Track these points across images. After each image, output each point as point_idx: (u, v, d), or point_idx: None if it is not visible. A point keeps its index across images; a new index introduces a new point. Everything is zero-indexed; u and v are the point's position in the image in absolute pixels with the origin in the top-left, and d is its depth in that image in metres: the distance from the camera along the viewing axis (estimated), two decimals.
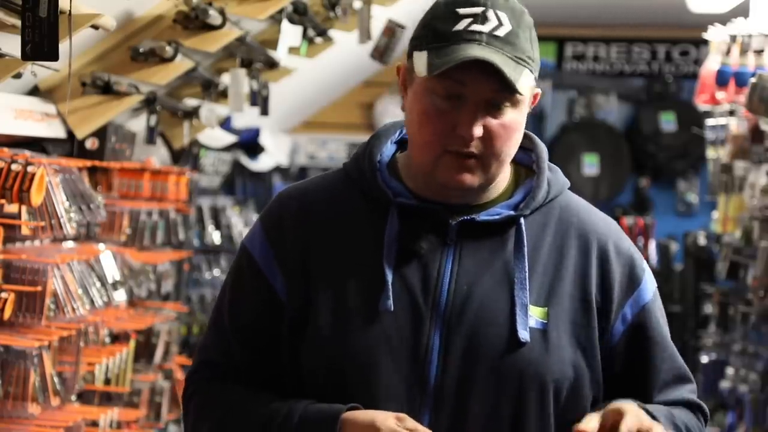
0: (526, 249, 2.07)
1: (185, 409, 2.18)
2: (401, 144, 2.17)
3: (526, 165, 2.17)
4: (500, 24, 2.00)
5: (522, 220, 2.08)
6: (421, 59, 2.01)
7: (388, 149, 2.15)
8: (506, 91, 2.00)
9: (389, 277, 2.03)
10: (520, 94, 2.00)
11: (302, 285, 2.07)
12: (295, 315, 2.07)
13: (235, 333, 2.12)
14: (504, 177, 2.13)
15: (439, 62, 1.98)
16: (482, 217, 2.07)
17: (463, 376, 2.02)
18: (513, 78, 1.97)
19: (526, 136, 2.18)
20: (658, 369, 2.13)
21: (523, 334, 2.02)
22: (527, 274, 2.06)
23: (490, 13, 2.00)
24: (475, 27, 1.99)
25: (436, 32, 2.01)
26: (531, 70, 2.02)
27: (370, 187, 2.10)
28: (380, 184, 2.09)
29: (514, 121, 2.03)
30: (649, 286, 2.15)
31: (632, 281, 2.13)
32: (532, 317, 2.04)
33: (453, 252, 2.06)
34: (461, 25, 1.99)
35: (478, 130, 2.00)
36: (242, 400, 2.08)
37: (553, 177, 2.16)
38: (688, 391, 2.16)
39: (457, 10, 2.01)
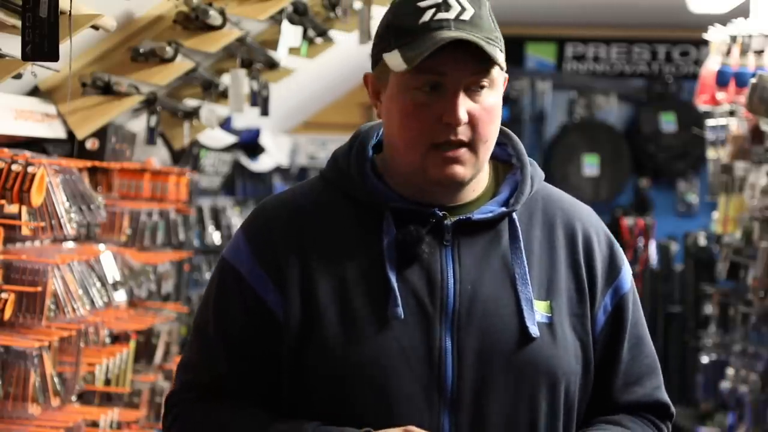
0: (522, 244, 2.07)
1: (167, 430, 2.12)
2: (375, 148, 2.15)
3: (502, 160, 2.17)
4: (463, 9, 2.01)
5: (515, 215, 2.09)
6: (393, 59, 2.01)
7: (368, 154, 2.13)
8: (484, 71, 2.00)
9: (395, 284, 2.02)
10: (502, 68, 2.01)
11: (300, 298, 2.04)
12: (296, 329, 2.04)
13: (226, 351, 2.08)
14: (485, 172, 2.13)
15: (413, 54, 1.98)
16: (477, 216, 2.07)
17: (479, 376, 2.02)
18: (491, 53, 1.98)
19: (500, 131, 2.18)
20: (626, 364, 2.14)
21: (533, 330, 2.03)
22: (527, 268, 2.06)
23: (452, 0, 2.01)
24: (441, 15, 2.00)
25: (401, 30, 2.02)
26: (500, 49, 2.03)
27: (361, 192, 2.08)
28: (371, 189, 2.08)
29: (494, 103, 2.04)
30: (628, 276, 2.16)
31: (613, 270, 2.14)
32: (537, 312, 2.05)
33: (451, 252, 2.06)
34: (426, 17, 2.00)
35: (464, 115, 2.00)
36: (235, 421, 2.05)
37: (533, 170, 2.16)
38: (653, 388, 2.17)
39: (418, 4, 2.02)
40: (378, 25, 2.09)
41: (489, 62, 2.00)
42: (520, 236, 2.08)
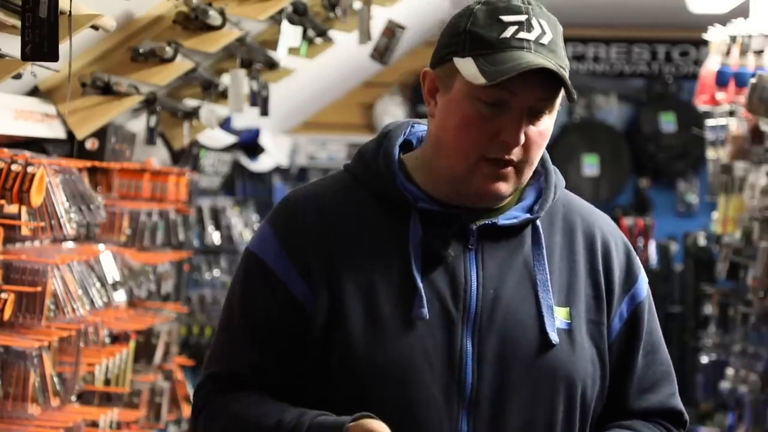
0: (544, 250, 2.10)
1: (193, 426, 2.14)
2: (403, 146, 2.16)
3: None
4: (543, 32, 2.02)
5: (538, 222, 2.11)
6: (469, 67, 2.01)
7: (396, 153, 2.14)
8: (552, 99, 2.03)
9: (421, 285, 2.03)
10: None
11: (327, 293, 2.05)
12: (322, 323, 2.04)
13: (251, 342, 2.08)
14: None
15: (494, 69, 1.98)
16: (502, 221, 2.09)
17: (499, 380, 2.04)
18: (568, 84, 1.99)
19: None
20: (640, 371, 2.16)
21: (553, 336, 2.05)
22: (548, 275, 2.09)
23: (534, 21, 2.02)
24: (522, 35, 2.01)
25: (479, 39, 2.01)
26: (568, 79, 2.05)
27: (389, 191, 2.09)
28: (400, 188, 2.09)
29: (549, 128, 2.07)
30: (644, 284, 2.18)
31: (630, 278, 2.16)
32: (557, 318, 2.07)
33: (475, 257, 2.08)
34: (508, 33, 2.01)
35: (522, 138, 2.02)
36: (249, 408, 2.06)
37: (556, 177, 2.19)
38: (668, 395, 2.18)
39: (501, 17, 2.02)
40: (448, 25, 2.08)
41: (558, 90, 2.01)
42: (543, 243, 2.10)
